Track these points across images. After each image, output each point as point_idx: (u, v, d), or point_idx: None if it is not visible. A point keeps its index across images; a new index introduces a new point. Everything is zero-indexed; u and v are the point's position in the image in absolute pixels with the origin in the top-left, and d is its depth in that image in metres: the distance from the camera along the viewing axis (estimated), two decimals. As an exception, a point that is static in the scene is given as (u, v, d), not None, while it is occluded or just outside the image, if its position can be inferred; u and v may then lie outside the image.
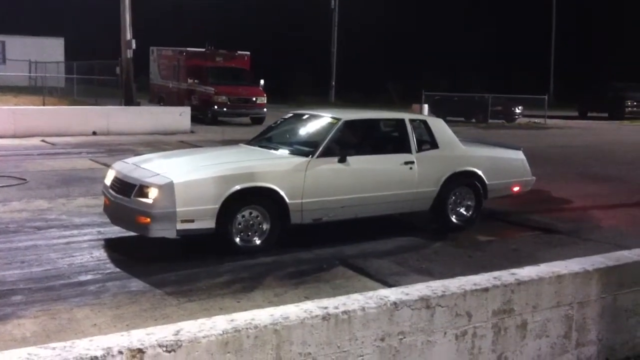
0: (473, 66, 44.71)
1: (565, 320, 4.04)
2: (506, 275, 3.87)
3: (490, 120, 29.23)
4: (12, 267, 6.47)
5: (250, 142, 8.54)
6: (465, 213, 8.60)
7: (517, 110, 30.79)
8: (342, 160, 7.57)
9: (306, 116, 8.85)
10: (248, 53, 27.66)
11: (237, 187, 6.88)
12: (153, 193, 6.64)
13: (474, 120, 29.72)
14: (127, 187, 6.96)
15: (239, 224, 7.02)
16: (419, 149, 8.27)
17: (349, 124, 8.09)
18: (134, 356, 2.69)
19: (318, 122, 8.37)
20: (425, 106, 26.95)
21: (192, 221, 6.71)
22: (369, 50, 47.37)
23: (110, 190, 7.27)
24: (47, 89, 31.42)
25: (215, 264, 6.73)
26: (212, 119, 23.94)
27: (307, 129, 8.56)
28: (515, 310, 3.80)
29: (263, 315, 3.12)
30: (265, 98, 25.05)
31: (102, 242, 7.46)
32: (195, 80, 25.43)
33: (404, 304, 3.41)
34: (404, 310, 3.41)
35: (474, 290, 3.64)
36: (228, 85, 24.42)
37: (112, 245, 7.36)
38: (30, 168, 12.39)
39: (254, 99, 24.81)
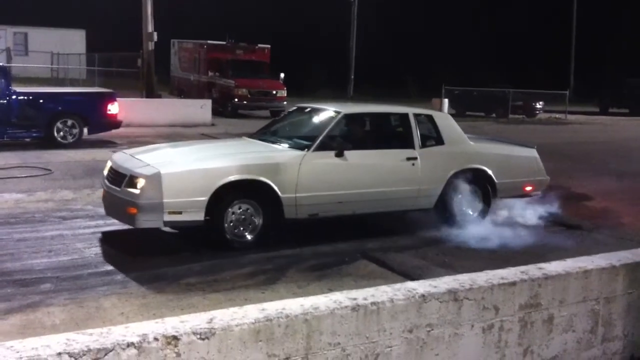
0: (489, 61, 44.47)
1: (591, 315, 4.05)
2: (533, 270, 3.88)
3: (510, 116, 29.08)
4: (39, 256, 6.59)
5: (252, 135, 8.45)
6: (471, 212, 8.36)
7: (538, 106, 30.62)
8: (340, 154, 7.42)
9: (309, 109, 8.75)
10: (268, 46, 27.70)
11: (226, 180, 6.77)
12: (140, 183, 6.60)
13: (494, 115, 29.59)
14: (119, 178, 6.94)
15: (230, 218, 6.92)
16: (423, 145, 8.04)
17: (349, 117, 7.95)
18: (169, 343, 2.74)
19: (319, 115, 8.25)
20: (446, 101, 26.84)
21: (180, 213, 6.62)
22: (387, 44, 47.21)
23: (105, 181, 7.28)
24: (69, 80, 31.73)
25: (238, 255, 6.79)
26: (232, 111, 24.03)
27: (308, 123, 8.45)
28: (542, 305, 3.81)
29: (294, 305, 3.16)
30: (285, 91, 25.11)
31: (128, 233, 7.54)
32: (216, 73, 25.54)
33: (432, 297, 3.43)
34: (431, 303, 3.43)
35: (501, 284, 3.66)
36: (248, 78, 24.48)
37: (137, 236, 7.43)
38: (53, 159, 12.53)
39: (274, 92, 24.88)
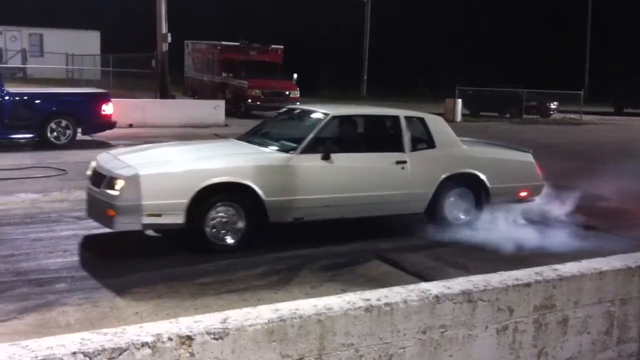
0: (492, 61, 44.32)
1: (606, 316, 4.01)
2: (548, 271, 3.85)
3: (524, 116, 28.93)
4: (54, 256, 6.63)
5: (241, 137, 8.33)
6: (463, 217, 8.20)
7: (552, 106, 30.45)
8: (326, 157, 7.25)
9: (298, 111, 8.66)
10: (281, 47, 27.74)
11: (208, 182, 6.63)
12: (119, 185, 6.45)
13: (508, 115, 29.45)
14: (99, 179, 6.82)
15: (212, 221, 6.76)
16: (414, 148, 7.87)
17: (337, 119, 7.80)
18: (183, 342, 2.75)
19: (308, 117, 8.10)
20: (459, 101, 26.75)
21: (160, 215, 6.48)
22: (399, 44, 47.12)
23: (87, 181, 7.21)
24: (84, 81, 31.92)
25: (251, 255, 6.80)
26: (245, 112, 24.08)
27: (297, 124, 8.31)
28: (557, 306, 3.78)
29: (307, 305, 3.15)
30: (298, 92, 25.14)
31: (141, 233, 7.56)
32: (229, 74, 25.61)
33: (445, 298, 3.42)
34: (445, 304, 3.42)
35: (515, 285, 3.64)
36: (261, 79, 24.54)
37: (150, 236, 7.47)
38: (68, 159, 12.61)
39: (287, 92, 24.90)
